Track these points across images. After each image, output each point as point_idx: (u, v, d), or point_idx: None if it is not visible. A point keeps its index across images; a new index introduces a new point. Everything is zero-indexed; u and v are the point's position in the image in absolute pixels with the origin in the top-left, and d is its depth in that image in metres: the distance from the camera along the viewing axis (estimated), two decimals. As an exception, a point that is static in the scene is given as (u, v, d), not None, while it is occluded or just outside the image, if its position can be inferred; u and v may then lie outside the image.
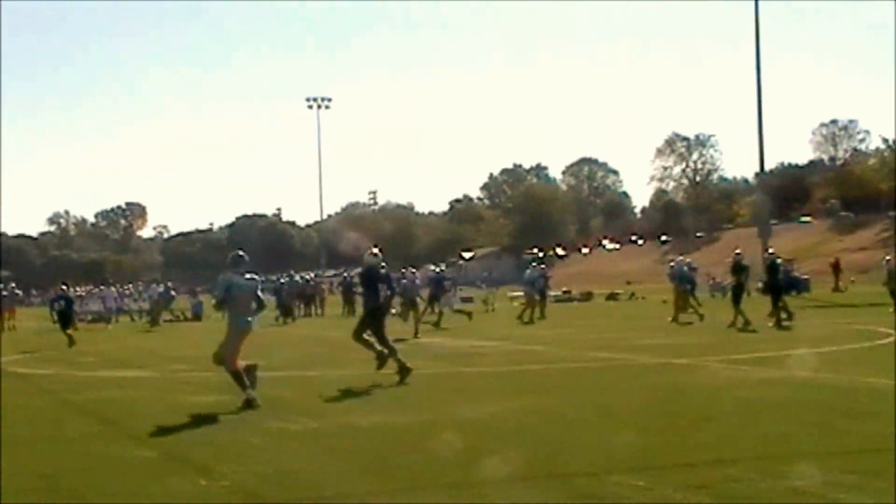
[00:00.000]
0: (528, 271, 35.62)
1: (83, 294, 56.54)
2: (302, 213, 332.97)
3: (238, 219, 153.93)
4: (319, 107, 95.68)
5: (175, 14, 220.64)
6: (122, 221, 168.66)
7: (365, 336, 15.16)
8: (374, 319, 15.18)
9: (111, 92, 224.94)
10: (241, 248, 13.85)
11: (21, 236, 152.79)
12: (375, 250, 16.13)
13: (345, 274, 56.21)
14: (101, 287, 62.58)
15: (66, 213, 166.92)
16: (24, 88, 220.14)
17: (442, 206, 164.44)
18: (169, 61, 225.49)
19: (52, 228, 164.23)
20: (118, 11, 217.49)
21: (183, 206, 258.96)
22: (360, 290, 15.95)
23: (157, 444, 9.70)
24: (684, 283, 30.36)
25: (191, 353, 21.55)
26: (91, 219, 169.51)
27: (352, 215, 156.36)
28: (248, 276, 12.64)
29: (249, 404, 11.61)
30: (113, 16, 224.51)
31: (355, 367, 15.84)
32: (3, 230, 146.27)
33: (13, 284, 46.40)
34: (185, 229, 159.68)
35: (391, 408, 11.95)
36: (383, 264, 16.27)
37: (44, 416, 12.23)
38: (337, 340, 25.10)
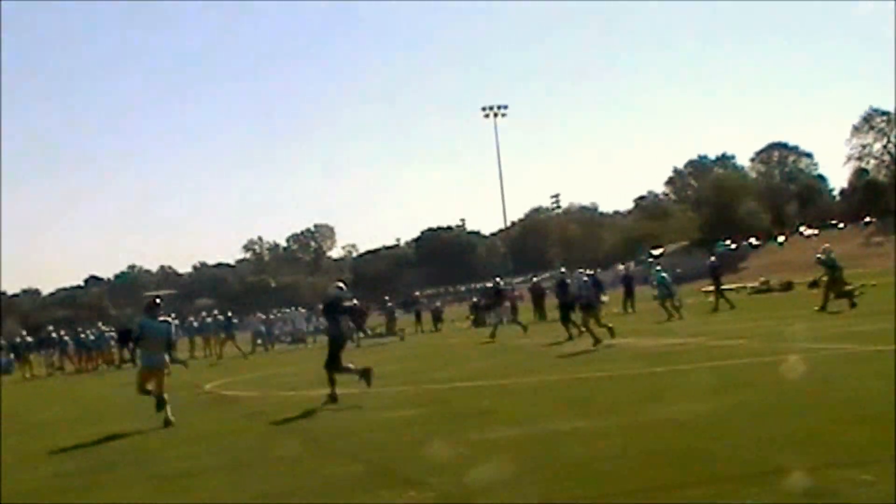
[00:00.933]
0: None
1: (279, 317, 58.16)
2: (486, 222, 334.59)
3: (423, 233, 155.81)
4: (496, 115, 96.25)
5: (350, 27, 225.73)
6: (312, 243, 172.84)
7: (341, 365, 16.07)
8: (333, 348, 16.14)
9: (293, 113, 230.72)
10: (157, 295, 17.23)
11: (220, 265, 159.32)
12: (340, 283, 17.89)
13: (534, 279, 56.03)
14: (292, 308, 64.70)
15: (260, 239, 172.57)
16: (214, 117, 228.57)
17: (627, 205, 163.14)
18: (345, 81, 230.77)
19: (248, 255, 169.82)
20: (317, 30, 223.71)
21: (369, 224, 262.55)
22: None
23: (365, 460, 9.95)
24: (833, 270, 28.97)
25: (390, 368, 21.91)
26: (283, 243, 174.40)
27: (536, 220, 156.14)
28: (161, 319, 15.21)
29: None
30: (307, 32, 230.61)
31: (550, 373, 15.92)
32: (204, 261, 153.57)
33: (216, 312, 48.15)
34: (373, 246, 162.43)
35: (593, 411, 11.94)
36: (350, 296, 17.76)
37: (254, 438, 12.82)
38: (525, 347, 25.32)
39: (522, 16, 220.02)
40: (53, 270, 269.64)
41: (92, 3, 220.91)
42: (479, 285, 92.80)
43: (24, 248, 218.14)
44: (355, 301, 18.56)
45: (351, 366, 16.07)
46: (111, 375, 35.66)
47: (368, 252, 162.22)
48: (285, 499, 8.41)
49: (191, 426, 14.49)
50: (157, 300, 15.87)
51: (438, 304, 61.63)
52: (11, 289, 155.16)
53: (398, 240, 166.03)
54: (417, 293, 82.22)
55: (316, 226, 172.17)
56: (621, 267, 35.12)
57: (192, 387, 22.05)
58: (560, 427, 10.84)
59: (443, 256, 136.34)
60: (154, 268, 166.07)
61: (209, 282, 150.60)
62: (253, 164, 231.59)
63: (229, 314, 43.57)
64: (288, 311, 65.07)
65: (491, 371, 19.93)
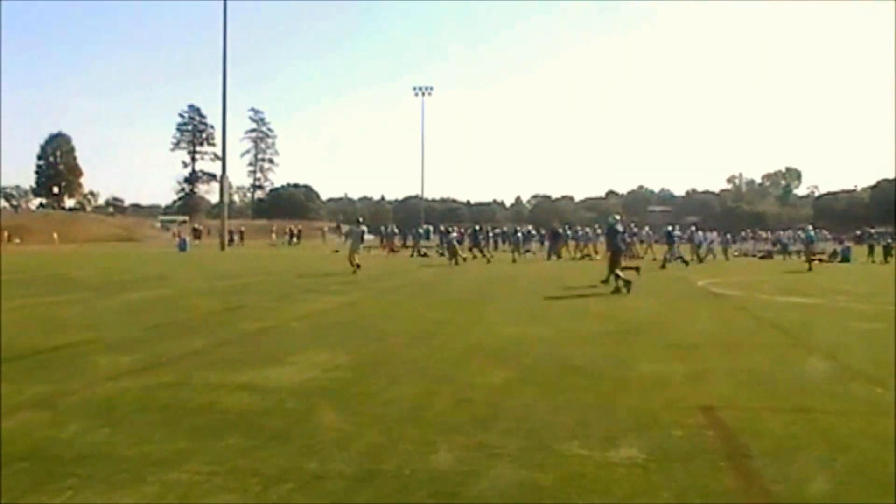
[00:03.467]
0: None
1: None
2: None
3: (879, 182, 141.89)
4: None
5: None
6: (782, 182, 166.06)
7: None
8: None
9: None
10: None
11: (707, 192, 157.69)
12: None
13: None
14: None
15: (741, 174, 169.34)
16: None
17: None
18: None
19: (729, 186, 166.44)
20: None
21: (830, 168, 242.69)
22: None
23: (840, 358, 9.73)
24: None
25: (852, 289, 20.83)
26: (758, 179, 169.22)
27: None
28: None
29: None
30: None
31: None
32: (695, 187, 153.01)
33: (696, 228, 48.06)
34: (833, 189, 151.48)
35: None
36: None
37: (740, 326, 12.99)
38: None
39: None
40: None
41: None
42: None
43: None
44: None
45: None
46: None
47: (829, 193, 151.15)
48: (765, 377, 8.58)
49: (690, 311, 15.02)
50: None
51: (890, 240, 56.53)
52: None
53: (856, 185, 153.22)
54: (872, 229, 75.90)
55: (787, 168, 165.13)
56: None
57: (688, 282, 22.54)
58: None
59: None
60: (656, 188, 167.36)
61: (697, 204, 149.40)
62: (739, 108, 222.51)
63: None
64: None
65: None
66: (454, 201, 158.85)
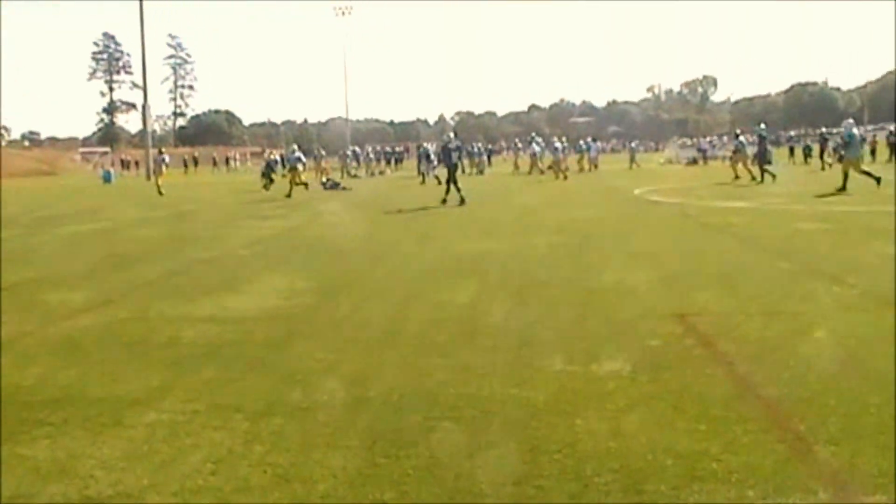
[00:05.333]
0: None
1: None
2: (846, 78, 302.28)
3: (792, 86, 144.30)
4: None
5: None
6: (699, 89, 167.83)
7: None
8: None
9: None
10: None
11: (627, 102, 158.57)
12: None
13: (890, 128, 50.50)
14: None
15: (659, 84, 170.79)
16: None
17: None
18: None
19: (649, 95, 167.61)
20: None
21: (745, 74, 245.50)
22: None
23: (791, 259, 9.83)
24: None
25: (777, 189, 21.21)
26: (676, 88, 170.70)
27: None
28: None
29: None
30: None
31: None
32: (615, 98, 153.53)
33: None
34: (748, 95, 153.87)
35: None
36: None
37: (689, 233, 13.05)
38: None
39: None
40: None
41: None
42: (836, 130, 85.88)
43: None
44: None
45: None
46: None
47: (744, 98, 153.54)
48: (729, 282, 8.57)
49: (637, 220, 15.05)
50: None
51: (809, 142, 57.61)
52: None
53: (769, 91, 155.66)
54: (791, 133, 77.40)
55: (704, 76, 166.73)
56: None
57: (623, 191, 22.65)
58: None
59: (807, 107, 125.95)
60: (577, 101, 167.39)
61: (618, 115, 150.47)
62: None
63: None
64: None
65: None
66: (377, 121, 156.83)
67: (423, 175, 34.00)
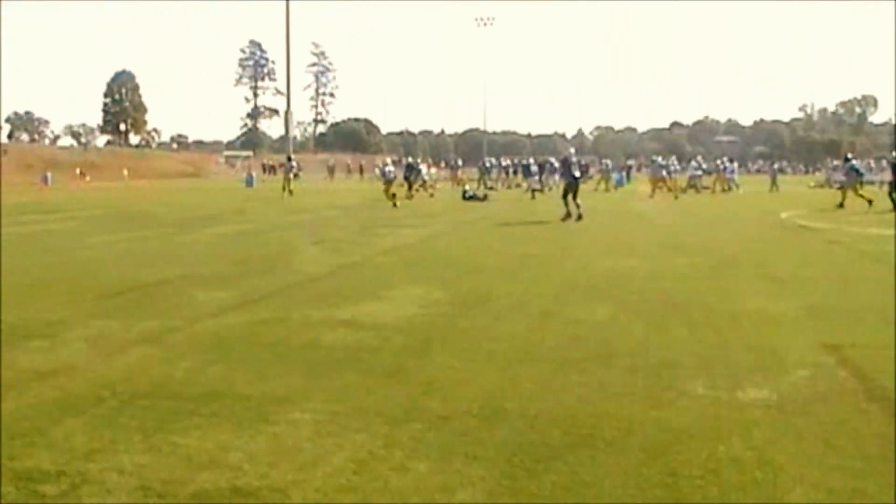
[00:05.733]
0: None
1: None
2: None
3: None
4: None
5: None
6: (857, 109, 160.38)
7: None
8: None
9: None
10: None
11: (776, 121, 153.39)
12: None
13: None
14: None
15: (812, 104, 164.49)
16: None
17: None
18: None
19: (800, 114, 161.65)
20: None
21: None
22: None
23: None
24: None
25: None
26: (831, 107, 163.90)
27: None
28: None
29: None
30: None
31: None
32: (762, 116, 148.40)
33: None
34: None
35: None
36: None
37: (841, 260, 12.52)
38: None
39: None
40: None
41: None
42: None
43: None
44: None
45: None
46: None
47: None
48: (886, 314, 8.16)
49: (783, 244, 14.54)
50: None
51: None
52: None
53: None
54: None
55: (863, 95, 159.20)
56: None
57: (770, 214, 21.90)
58: None
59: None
60: (722, 119, 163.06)
61: (765, 134, 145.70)
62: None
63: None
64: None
65: None
66: (515, 133, 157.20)
67: (531, 190, 34.38)
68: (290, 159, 36.87)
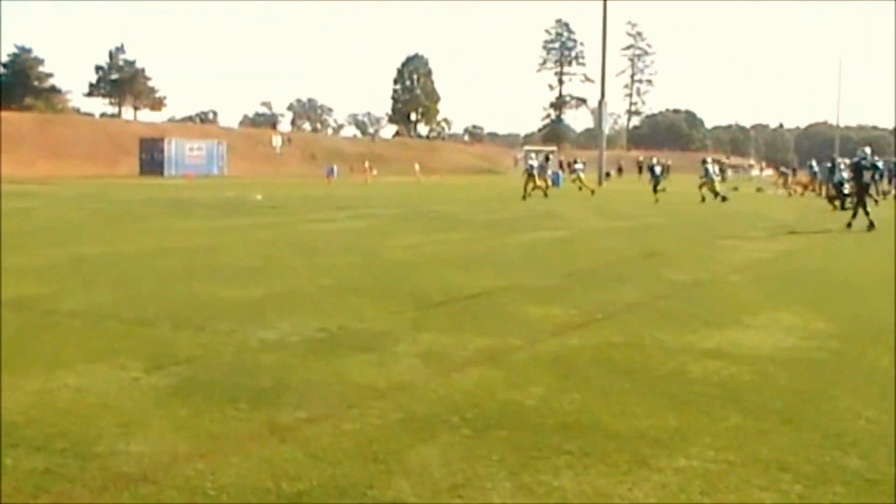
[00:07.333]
0: None
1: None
2: None
3: None
4: None
5: None
6: None
7: None
8: None
9: None
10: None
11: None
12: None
13: None
14: None
15: None
16: None
17: None
18: None
19: None
20: None
21: None
22: None
23: None
24: None
25: None
26: None
27: None
28: None
29: None
30: None
31: None
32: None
33: None
34: None
35: None
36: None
37: None
38: None
39: None
40: None
41: None
42: None
43: None
44: None
45: None
46: None
47: None
48: None
49: None
50: None
51: None
52: None
53: None
54: None
55: None
56: None
57: None
58: None
59: None
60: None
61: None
62: None
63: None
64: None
65: None
66: (875, 128, 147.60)
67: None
68: (547, 157, 40.94)
